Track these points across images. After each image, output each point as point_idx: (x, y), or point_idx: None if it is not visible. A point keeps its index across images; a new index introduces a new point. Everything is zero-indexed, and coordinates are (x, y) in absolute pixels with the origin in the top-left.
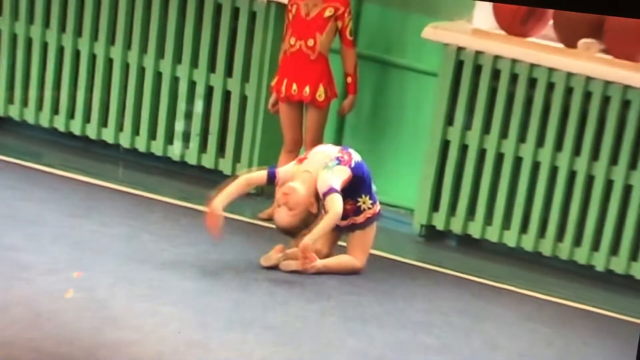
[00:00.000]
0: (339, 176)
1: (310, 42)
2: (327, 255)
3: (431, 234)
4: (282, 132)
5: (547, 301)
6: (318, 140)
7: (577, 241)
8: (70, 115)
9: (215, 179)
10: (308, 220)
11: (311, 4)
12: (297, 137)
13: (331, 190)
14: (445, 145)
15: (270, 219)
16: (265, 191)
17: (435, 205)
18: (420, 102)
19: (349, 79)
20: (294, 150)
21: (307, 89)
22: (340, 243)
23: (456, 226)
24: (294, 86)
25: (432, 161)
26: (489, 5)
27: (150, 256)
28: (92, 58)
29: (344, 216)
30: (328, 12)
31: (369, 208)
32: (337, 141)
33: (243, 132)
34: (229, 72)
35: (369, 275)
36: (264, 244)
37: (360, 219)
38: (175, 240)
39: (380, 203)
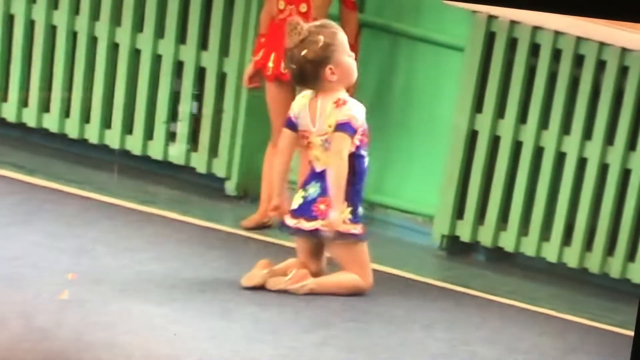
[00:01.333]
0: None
1: (303, 7)
2: (317, 274)
3: (455, 246)
4: (270, 118)
5: (595, 328)
6: None
7: (631, 255)
8: (2, 98)
9: (186, 177)
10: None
11: None
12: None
13: (348, 128)
14: (472, 136)
15: (257, 228)
16: (250, 194)
17: (459, 212)
18: (441, 83)
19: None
20: None
21: None
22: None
23: (485, 237)
24: (283, 64)
25: (456, 157)
26: None
27: (107, 274)
28: (30, 24)
29: (313, 215)
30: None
31: (350, 222)
32: None
33: (221, 120)
34: (203, 44)
35: (377, 297)
36: (248, 260)
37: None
38: (138, 255)
39: (392, 208)
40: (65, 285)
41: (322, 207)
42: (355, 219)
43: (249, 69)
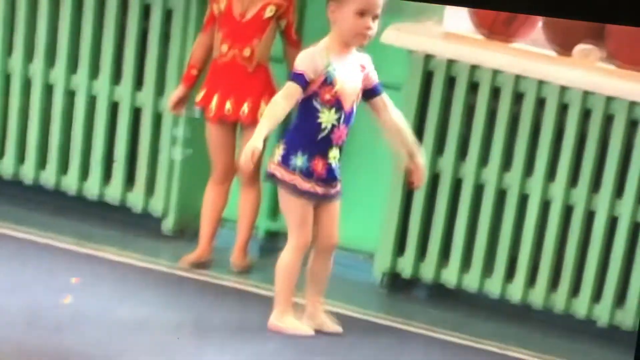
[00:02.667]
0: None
1: (247, 52)
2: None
3: (396, 283)
4: (211, 158)
5: None
6: (258, 165)
7: (575, 290)
8: None
9: (122, 216)
10: None
11: (247, 0)
12: (230, 164)
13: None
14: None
15: (195, 267)
16: (188, 232)
17: (400, 249)
18: None
19: None
20: (225, 180)
21: (245, 108)
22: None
23: (426, 273)
24: (228, 104)
25: (396, 193)
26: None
27: (43, 314)
28: None
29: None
30: (269, 12)
31: (279, 164)
32: None
33: (157, 159)
34: (138, 83)
35: (319, 334)
36: (185, 299)
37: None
38: (74, 294)
39: None
40: (69, 290)
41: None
42: (284, 162)
43: (176, 93)
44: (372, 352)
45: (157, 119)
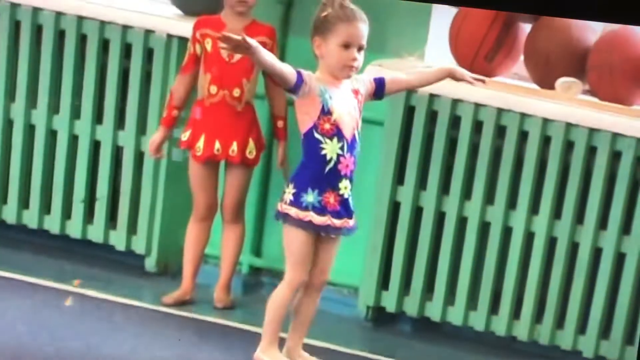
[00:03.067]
0: None
1: (237, 92)
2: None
3: (381, 317)
4: (193, 196)
5: None
6: (243, 202)
7: (560, 322)
8: None
9: (105, 255)
10: None
11: None
12: (213, 201)
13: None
14: (395, 208)
15: (177, 304)
16: (170, 270)
17: (384, 283)
18: (363, 157)
19: (280, 123)
20: (207, 217)
21: (234, 147)
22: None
23: (411, 307)
24: (217, 144)
25: (379, 228)
26: (445, 39)
27: (27, 352)
28: None
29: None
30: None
31: (291, 204)
32: (263, 201)
33: (139, 197)
34: (120, 123)
35: None
36: (168, 336)
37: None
38: (58, 332)
39: None
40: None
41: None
42: (296, 202)
43: (157, 137)
44: None
45: (139, 157)
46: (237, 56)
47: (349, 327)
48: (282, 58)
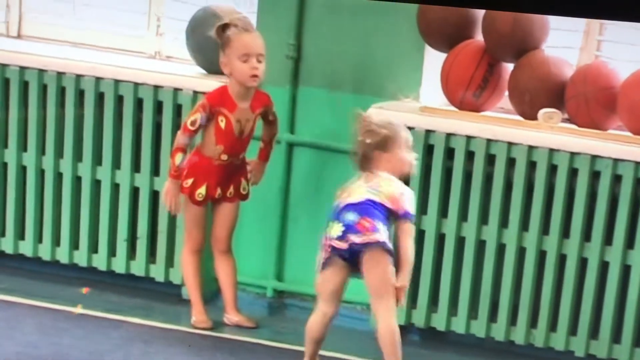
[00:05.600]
0: None
1: (242, 156)
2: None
3: None
4: (188, 232)
5: None
6: (233, 233)
7: (553, 326)
8: None
9: (146, 286)
10: None
11: (243, 119)
12: (205, 235)
13: (410, 217)
14: None
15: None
16: (204, 297)
17: None
18: None
19: (262, 145)
20: (202, 249)
21: (231, 190)
22: None
23: (418, 319)
24: (219, 190)
25: None
26: (437, 81)
27: None
28: (3, 166)
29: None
30: (264, 114)
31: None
32: (282, 230)
33: (175, 234)
34: (155, 170)
35: None
36: (206, 353)
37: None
38: (108, 356)
39: None
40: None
41: (366, 224)
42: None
43: (174, 191)
44: None
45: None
46: (246, 132)
47: (364, 340)
48: (292, 107)
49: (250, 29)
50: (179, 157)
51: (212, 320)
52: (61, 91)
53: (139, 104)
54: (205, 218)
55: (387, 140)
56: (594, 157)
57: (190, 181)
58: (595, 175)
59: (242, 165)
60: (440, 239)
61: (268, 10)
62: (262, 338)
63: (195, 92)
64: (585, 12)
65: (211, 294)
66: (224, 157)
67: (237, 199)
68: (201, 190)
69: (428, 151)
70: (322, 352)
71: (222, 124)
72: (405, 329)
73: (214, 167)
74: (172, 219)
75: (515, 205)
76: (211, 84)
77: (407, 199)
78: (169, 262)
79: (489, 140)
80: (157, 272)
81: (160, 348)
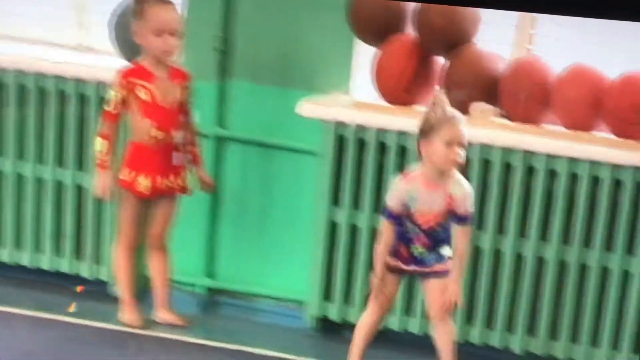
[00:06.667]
0: None
1: (175, 132)
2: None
3: (326, 326)
4: (124, 228)
5: None
6: (170, 229)
7: (509, 328)
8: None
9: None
10: None
11: (164, 87)
12: (141, 232)
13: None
14: (333, 228)
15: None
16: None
17: (328, 295)
18: (303, 183)
19: (196, 150)
20: (136, 246)
21: (172, 179)
22: None
23: (353, 316)
24: (159, 178)
25: (320, 247)
26: (368, 75)
27: None
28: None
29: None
30: (185, 92)
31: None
32: (212, 227)
33: (101, 230)
34: (80, 165)
35: None
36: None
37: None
38: (37, 356)
39: (266, 297)
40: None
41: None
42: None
43: (104, 181)
44: None
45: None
46: (170, 98)
47: (297, 338)
48: (221, 101)
49: (167, 2)
50: (101, 144)
51: (143, 318)
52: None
53: (62, 97)
54: (143, 213)
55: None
56: (529, 153)
57: (128, 172)
58: (530, 171)
59: (180, 150)
60: (373, 234)
61: (196, 2)
62: (194, 336)
63: None
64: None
65: (141, 292)
66: (156, 133)
67: (178, 192)
68: (144, 182)
69: (360, 146)
70: (257, 351)
71: (143, 95)
72: (341, 327)
73: (149, 151)
74: (98, 215)
75: None
76: None
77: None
78: (97, 258)
79: None
80: (84, 269)
81: (89, 347)
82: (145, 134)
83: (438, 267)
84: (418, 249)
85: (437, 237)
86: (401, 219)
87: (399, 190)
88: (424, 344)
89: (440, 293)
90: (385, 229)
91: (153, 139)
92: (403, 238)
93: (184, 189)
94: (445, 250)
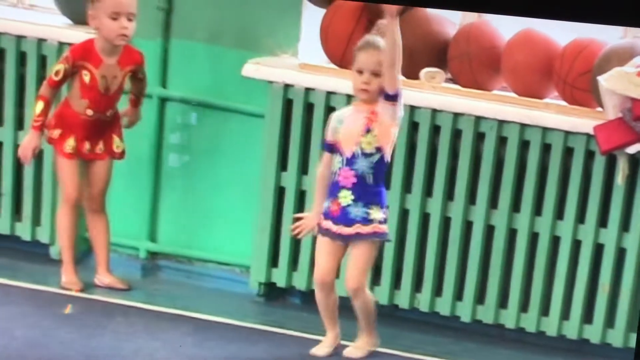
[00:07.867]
0: None
1: (110, 113)
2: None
3: (272, 292)
4: (63, 187)
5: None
6: (107, 192)
7: (438, 290)
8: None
9: (12, 245)
10: None
11: (109, 75)
12: (80, 191)
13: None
14: (280, 192)
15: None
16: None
17: (274, 261)
18: (249, 146)
19: (132, 96)
20: (76, 204)
21: (101, 146)
22: None
23: (299, 282)
24: (87, 145)
25: (266, 212)
26: (317, 37)
27: None
28: None
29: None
30: (128, 80)
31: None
32: (155, 191)
33: (41, 190)
34: (19, 124)
35: (202, 343)
36: (74, 317)
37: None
38: None
39: (210, 261)
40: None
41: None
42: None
43: (32, 143)
44: (253, 355)
45: (39, 154)
46: (113, 88)
47: (243, 303)
48: (165, 61)
49: None
50: (38, 106)
51: (83, 281)
52: None
53: (1, 55)
54: (78, 173)
55: None
56: (478, 118)
57: (57, 132)
58: (479, 137)
59: (112, 121)
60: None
61: None
62: (135, 300)
63: (61, 43)
64: None
65: (81, 254)
66: (89, 112)
67: (109, 157)
68: (70, 142)
69: (308, 110)
70: (200, 316)
71: (87, 79)
72: (287, 292)
73: (80, 121)
74: (38, 175)
75: (397, 166)
76: (77, 34)
77: None
78: (36, 220)
79: None
80: (23, 231)
81: (28, 310)
82: (79, 108)
83: (362, 228)
84: (346, 196)
85: (363, 179)
86: (333, 147)
87: (332, 118)
88: (433, 320)
89: (356, 260)
90: (323, 160)
91: (85, 115)
92: (334, 189)
93: (114, 154)
94: (374, 212)
